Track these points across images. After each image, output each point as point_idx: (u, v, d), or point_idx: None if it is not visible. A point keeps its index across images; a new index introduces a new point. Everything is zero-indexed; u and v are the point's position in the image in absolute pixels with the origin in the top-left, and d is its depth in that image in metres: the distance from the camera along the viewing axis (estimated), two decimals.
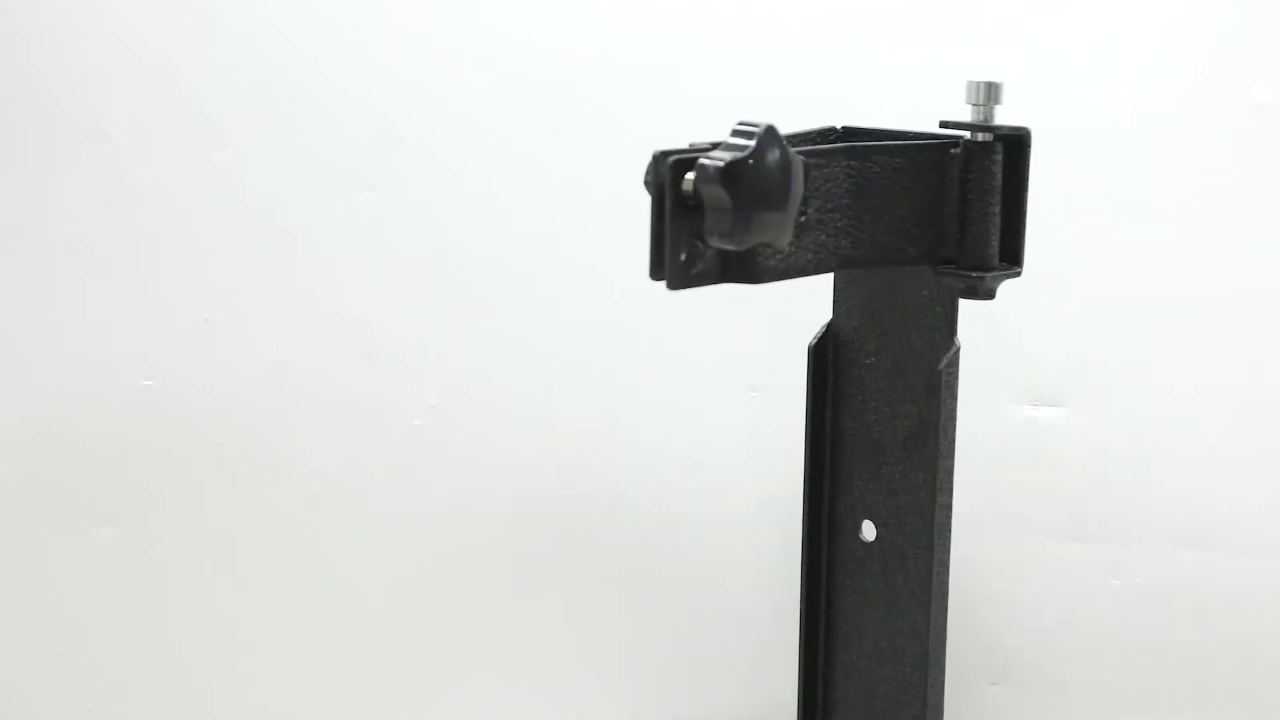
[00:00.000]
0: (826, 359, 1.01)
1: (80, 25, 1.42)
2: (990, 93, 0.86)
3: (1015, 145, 0.86)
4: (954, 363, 0.92)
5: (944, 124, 0.89)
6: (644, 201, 0.77)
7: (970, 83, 0.86)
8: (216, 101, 1.41)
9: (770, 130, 0.74)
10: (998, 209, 0.86)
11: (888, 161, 0.85)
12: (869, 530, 1.00)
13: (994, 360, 1.29)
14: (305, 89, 1.40)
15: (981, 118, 0.86)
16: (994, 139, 0.85)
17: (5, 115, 1.44)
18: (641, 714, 1.45)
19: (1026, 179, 0.86)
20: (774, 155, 0.75)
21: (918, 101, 1.30)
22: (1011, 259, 0.88)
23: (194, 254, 1.44)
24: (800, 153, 0.79)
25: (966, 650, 1.32)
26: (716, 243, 0.75)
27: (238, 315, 1.44)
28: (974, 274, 0.86)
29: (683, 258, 0.77)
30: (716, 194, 0.73)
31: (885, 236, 0.85)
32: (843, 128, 0.94)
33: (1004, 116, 0.88)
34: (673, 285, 0.77)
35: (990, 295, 0.87)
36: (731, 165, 0.74)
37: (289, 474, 1.47)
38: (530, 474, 1.43)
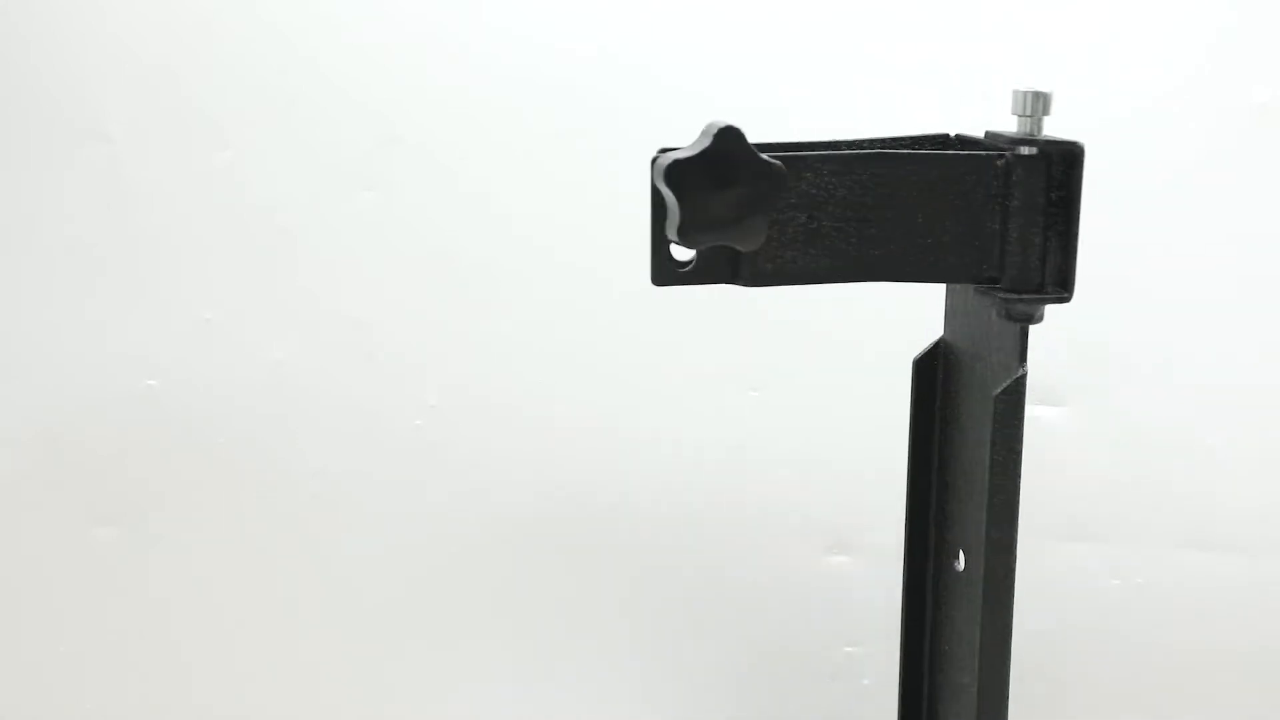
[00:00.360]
0: (934, 377, 0.94)
1: (80, 26, 1.41)
2: (1038, 103, 0.80)
3: (1066, 160, 0.79)
4: (1014, 391, 0.84)
5: (989, 135, 0.84)
6: (644, 202, 0.77)
7: (1016, 92, 0.80)
8: (217, 102, 1.41)
9: (726, 132, 0.73)
10: (1041, 228, 0.79)
11: (923, 172, 0.79)
12: (962, 559, 0.93)
13: None
14: (305, 89, 1.40)
15: (1028, 129, 0.80)
16: (1039, 153, 0.79)
17: (6, 116, 1.44)
18: (642, 713, 1.45)
19: (1078, 197, 0.79)
20: (726, 157, 0.73)
21: (919, 106, 1.30)
22: (1060, 282, 0.81)
23: (194, 254, 1.44)
24: (816, 159, 0.77)
25: None
26: (671, 240, 0.75)
27: (238, 315, 1.44)
28: (1008, 295, 0.80)
29: (674, 255, 0.77)
30: (666, 192, 0.73)
31: (919, 251, 0.80)
32: (956, 136, 0.88)
33: (1050, 127, 0.82)
34: (655, 280, 0.77)
35: (1028, 319, 0.81)
36: (675, 164, 0.73)
37: (289, 474, 1.47)
38: (530, 474, 1.43)
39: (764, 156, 0.75)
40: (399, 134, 1.39)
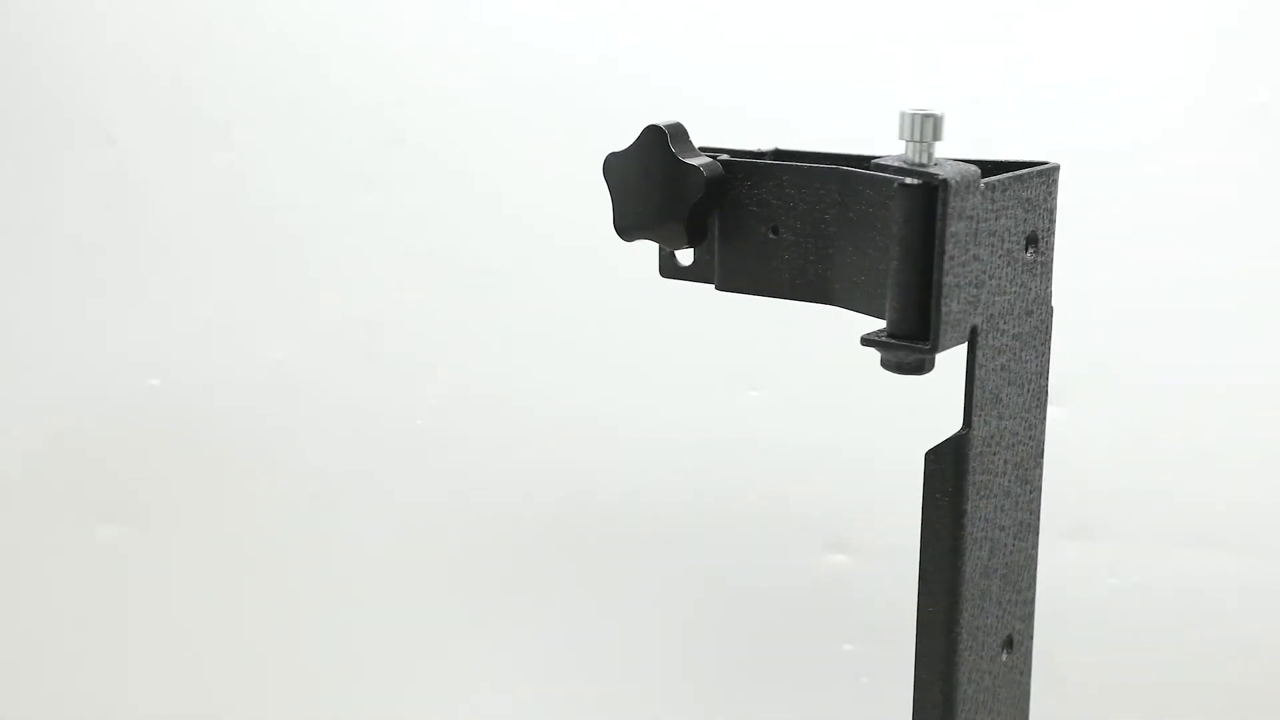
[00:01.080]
0: None
1: (84, 29, 1.42)
2: (927, 127, 0.69)
3: (925, 195, 0.67)
4: (947, 452, 0.72)
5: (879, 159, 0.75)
6: None
7: (903, 114, 0.70)
8: (219, 104, 1.42)
9: (650, 130, 0.74)
10: (917, 267, 0.68)
11: (862, 193, 0.71)
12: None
13: None
14: (307, 91, 1.40)
15: (913, 156, 0.70)
16: (920, 184, 0.68)
17: (12, 119, 1.45)
18: (640, 711, 1.45)
19: (941, 240, 0.67)
20: (649, 155, 0.74)
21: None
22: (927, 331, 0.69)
23: (197, 254, 1.45)
24: (777, 169, 0.74)
25: None
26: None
27: (240, 315, 1.45)
28: (878, 337, 0.71)
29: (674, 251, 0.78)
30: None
31: (858, 277, 0.72)
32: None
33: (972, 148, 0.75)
34: (661, 273, 0.79)
35: (893, 368, 0.71)
36: (607, 159, 0.75)
37: (292, 473, 1.47)
38: (530, 473, 1.43)
39: (684, 159, 0.74)
40: (400, 135, 1.39)
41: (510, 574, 1.46)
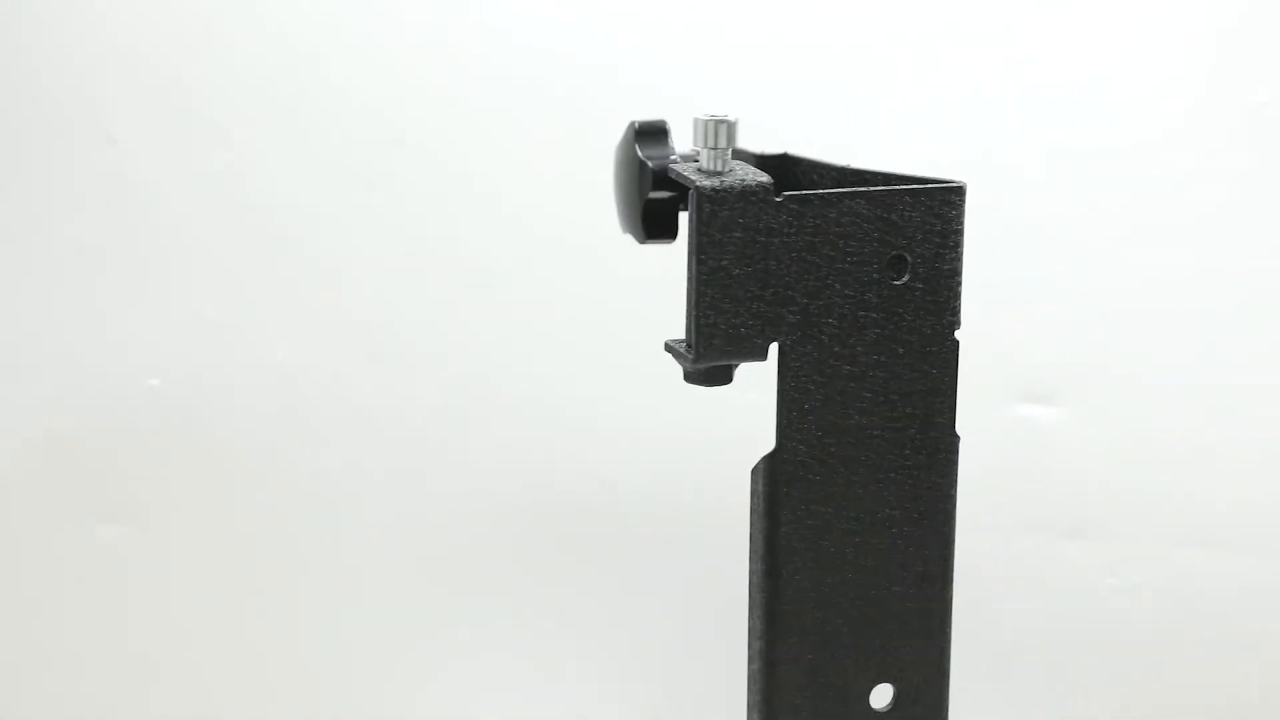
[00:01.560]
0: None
1: (84, 29, 1.42)
2: (721, 133, 0.67)
3: (698, 202, 0.65)
4: (762, 469, 0.71)
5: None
6: None
7: (696, 120, 0.68)
8: (220, 103, 1.41)
9: (628, 127, 0.74)
10: (690, 275, 0.67)
11: None
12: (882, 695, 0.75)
13: (991, 359, 1.30)
14: (307, 90, 1.40)
15: (707, 163, 0.68)
16: (702, 190, 0.65)
17: (11, 118, 1.45)
18: (641, 710, 1.45)
19: (698, 249, 0.66)
20: (622, 150, 0.75)
21: (923, 124, 1.31)
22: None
23: (198, 254, 1.45)
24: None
25: (964, 647, 1.33)
26: None
27: (241, 315, 1.45)
28: (676, 345, 0.71)
29: None
30: None
31: None
32: None
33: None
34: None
35: (687, 379, 0.71)
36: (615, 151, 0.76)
37: (292, 473, 1.47)
38: (533, 473, 1.43)
39: (642, 156, 0.73)
40: (401, 134, 1.39)
41: (510, 574, 1.46)
